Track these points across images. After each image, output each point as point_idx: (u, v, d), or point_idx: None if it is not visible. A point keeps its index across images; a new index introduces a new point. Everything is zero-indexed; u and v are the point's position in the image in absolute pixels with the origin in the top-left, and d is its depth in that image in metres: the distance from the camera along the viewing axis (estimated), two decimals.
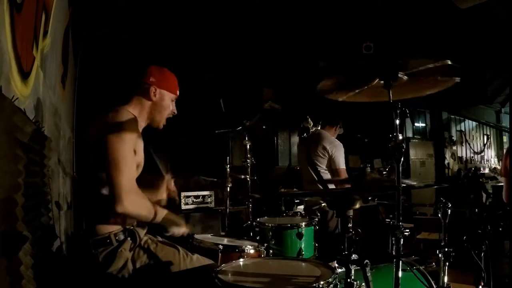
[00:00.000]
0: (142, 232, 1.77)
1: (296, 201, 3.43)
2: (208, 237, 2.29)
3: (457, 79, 1.53)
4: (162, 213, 1.72)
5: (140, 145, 1.78)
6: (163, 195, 2.09)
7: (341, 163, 3.49)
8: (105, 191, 1.61)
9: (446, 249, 1.72)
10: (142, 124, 1.86)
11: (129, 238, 1.69)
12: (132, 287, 1.64)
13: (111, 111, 1.74)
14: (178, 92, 1.97)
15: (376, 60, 1.47)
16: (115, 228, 1.67)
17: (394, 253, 1.45)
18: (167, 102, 1.91)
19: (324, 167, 3.50)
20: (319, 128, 3.56)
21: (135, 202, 1.57)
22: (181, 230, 1.83)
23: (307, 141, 3.60)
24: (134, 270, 1.65)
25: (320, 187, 3.40)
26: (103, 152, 1.58)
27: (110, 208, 1.54)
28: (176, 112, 1.98)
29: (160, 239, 1.86)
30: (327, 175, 3.49)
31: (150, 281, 1.66)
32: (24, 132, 1.39)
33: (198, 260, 1.78)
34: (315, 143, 3.52)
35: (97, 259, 1.63)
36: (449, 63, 1.41)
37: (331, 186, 3.40)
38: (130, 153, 1.62)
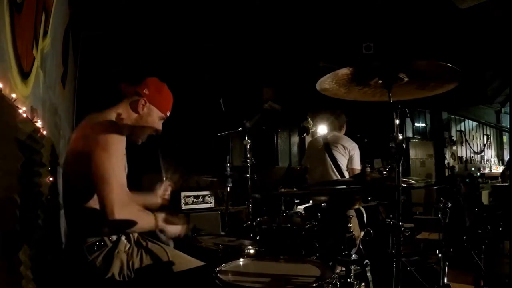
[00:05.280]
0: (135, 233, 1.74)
1: (296, 201, 3.43)
2: (208, 237, 2.29)
3: (453, 85, 1.54)
4: (161, 217, 1.63)
5: (124, 148, 1.66)
6: (157, 199, 2.02)
7: (358, 164, 3.49)
8: (95, 202, 1.52)
9: (446, 249, 1.72)
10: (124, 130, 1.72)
11: (123, 238, 1.66)
12: (134, 287, 1.63)
13: (92, 115, 1.66)
14: (168, 114, 1.85)
15: (376, 60, 1.47)
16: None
17: (394, 253, 1.44)
18: (153, 119, 1.79)
19: (345, 166, 3.49)
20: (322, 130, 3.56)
21: (129, 216, 1.49)
22: (178, 230, 1.69)
23: (326, 142, 3.59)
24: (133, 270, 1.63)
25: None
26: (90, 166, 1.48)
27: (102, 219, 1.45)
28: (160, 132, 1.84)
29: (148, 239, 1.82)
30: (347, 175, 3.48)
31: (150, 280, 1.66)
32: (24, 132, 1.39)
33: (191, 260, 1.76)
34: (335, 143, 3.52)
35: (94, 266, 1.57)
36: (449, 65, 1.41)
37: None
38: (118, 164, 1.54)
